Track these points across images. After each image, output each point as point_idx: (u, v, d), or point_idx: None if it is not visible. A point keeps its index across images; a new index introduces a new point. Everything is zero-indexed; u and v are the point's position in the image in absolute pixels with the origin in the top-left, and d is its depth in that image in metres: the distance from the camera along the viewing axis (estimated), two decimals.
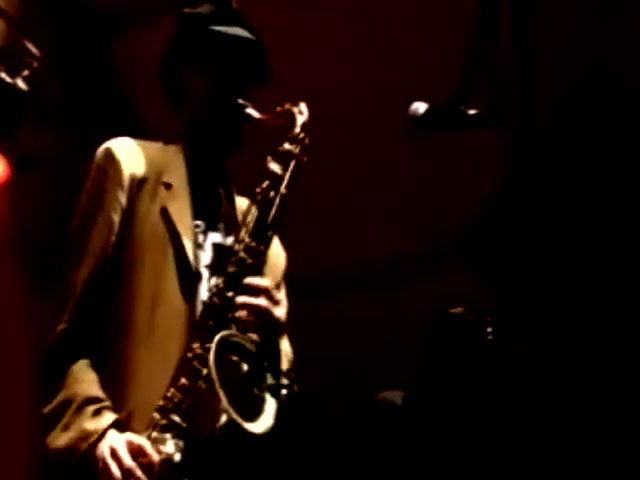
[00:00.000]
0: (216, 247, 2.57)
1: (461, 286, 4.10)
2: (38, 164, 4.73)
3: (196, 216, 2.57)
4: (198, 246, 2.55)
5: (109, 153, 2.57)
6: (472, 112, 2.49)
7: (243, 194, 2.70)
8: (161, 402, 2.36)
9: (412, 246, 5.18)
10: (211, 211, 2.62)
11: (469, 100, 2.48)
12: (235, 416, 2.26)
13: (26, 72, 4.43)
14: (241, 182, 2.72)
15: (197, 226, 2.57)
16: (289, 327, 2.57)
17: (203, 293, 2.50)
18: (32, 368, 2.66)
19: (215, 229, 2.60)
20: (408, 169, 4.98)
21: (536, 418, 2.47)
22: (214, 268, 2.53)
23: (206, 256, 2.55)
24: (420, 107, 2.54)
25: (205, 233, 2.58)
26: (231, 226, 2.61)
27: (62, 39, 5.02)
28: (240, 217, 2.61)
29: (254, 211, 2.51)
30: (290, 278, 2.72)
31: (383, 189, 5.15)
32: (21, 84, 4.42)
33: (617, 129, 2.44)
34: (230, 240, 2.57)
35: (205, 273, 2.53)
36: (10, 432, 4.69)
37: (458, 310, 3.66)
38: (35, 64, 4.43)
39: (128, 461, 2.31)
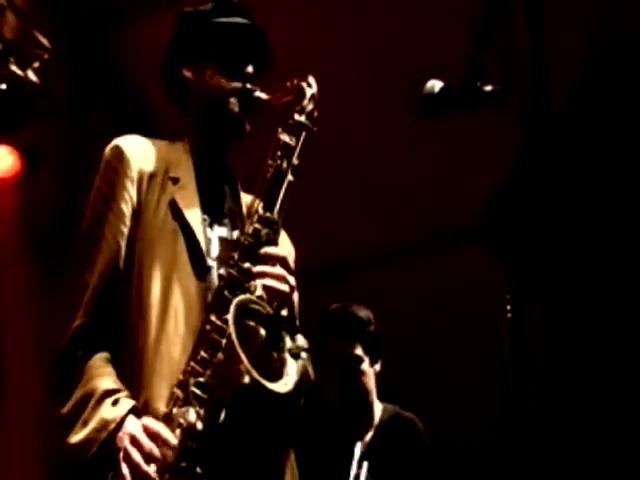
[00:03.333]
0: (222, 241, 2.58)
1: (473, 269, 4.10)
2: (46, 157, 4.74)
3: (202, 210, 2.58)
4: (206, 239, 2.55)
5: (118, 150, 2.59)
6: (488, 88, 2.45)
7: (248, 190, 2.70)
8: (181, 377, 2.35)
9: (421, 231, 5.19)
10: (217, 206, 2.64)
11: (484, 77, 2.44)
12: (257, 377, 2.23)
13: (37, 64, 4.46)
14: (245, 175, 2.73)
15: (204, 219, 2.58)
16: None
17: (214, 281, 2.50)
18: (43, 362, 2.63)
19: (221, 224, 2.61)
20: (418, 153, 4.98)
21: (549, 396, 2.43)
22: (222, 261, 2.52)
23: (214, 249, 2.56)
24: (436, 85, 2.50)
25: (211, 227, 2.59)
26: (237, 222, 2.62)
27: (67, 33, 5.02)
28: (246, 213, 2.63)
29: (266, 184, 2.51)
30: (298, 267, 2.70)
31: (393, 174, 5.15)
32: (32, 76, 4.44)
33: (634, 103, 2.40)
34: (236, 234, 2.59)
35: (214, 265, 2.52)
36: (19, 432, 4.69)
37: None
38: (46, 56, 4.46)
39: (148, 445, 2.29)
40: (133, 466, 2.27)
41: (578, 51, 2.86)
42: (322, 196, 5.03)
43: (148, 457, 2.27)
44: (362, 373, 4.20)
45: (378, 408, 4.26)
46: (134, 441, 2.29)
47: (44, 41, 4.38)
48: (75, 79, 5.08)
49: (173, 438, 2.28)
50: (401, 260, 5.49)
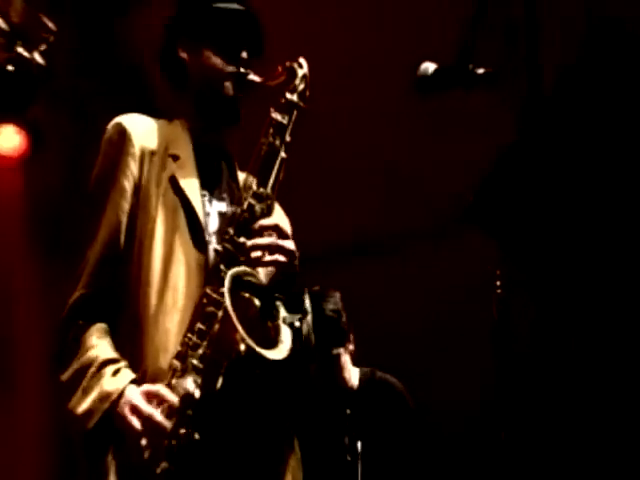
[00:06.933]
0: (221, 216, 2.64)
1: (470, 253, 4.13)
2: (51, 138, 4.79)
3: (202, 186, 2.65)
4: (205, 213, 2.62)
5: (120, 127, 2.65)
6: (481, 71, 2.50)
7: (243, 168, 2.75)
8: (179, 348, 2.42)
9: (417, 217, 5.22)
10: (215, 183, 2.71)
11: (476, 59, 2.49)
12: (252, 344, 2.29)
13: (43, 47, 4.51)
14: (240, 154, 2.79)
15: (203, 195, 2.65)
16: None
17: (212, 255, 2.55)
18: (46, 337, 2.68)
19: (220, 199, 2.68)
20: (413, 140, 5.01)
21: (542, 381, 2.48)
22: (220, 235, 2.57)
23: (213, 223, 2.63)
24: (429, 67, 2.56)
25: (210, 202, 2.66)
26: (235, 199, 2.67)
27: (74, 16, 5.07)
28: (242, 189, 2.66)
29: (260, 160, 2.57)
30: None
31: (387, 161, 5.18)
32: (39, 59, 4.50)
33: (625, 85, 2.44)
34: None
35: (213, 239, 2.59)
36: (23, 401, 4.75)
37: None
38: (52, 38, 4.51)
39: (147, 409, 2.35)
40: (133, 435, 2.33)
41: (571, 33, 2.91)
42: (318, 184, 5.08)
43: (147, 421, 2.33)
44: (340, 369, 4.28)
45: (355, 376, 4.35)
46: (134, 409, 2.35)
47: (50, 24, 4.43)
48: (81, 61, 5.13)
49: (173, 397, 2.33)
50: (397, 245, 5.52)
